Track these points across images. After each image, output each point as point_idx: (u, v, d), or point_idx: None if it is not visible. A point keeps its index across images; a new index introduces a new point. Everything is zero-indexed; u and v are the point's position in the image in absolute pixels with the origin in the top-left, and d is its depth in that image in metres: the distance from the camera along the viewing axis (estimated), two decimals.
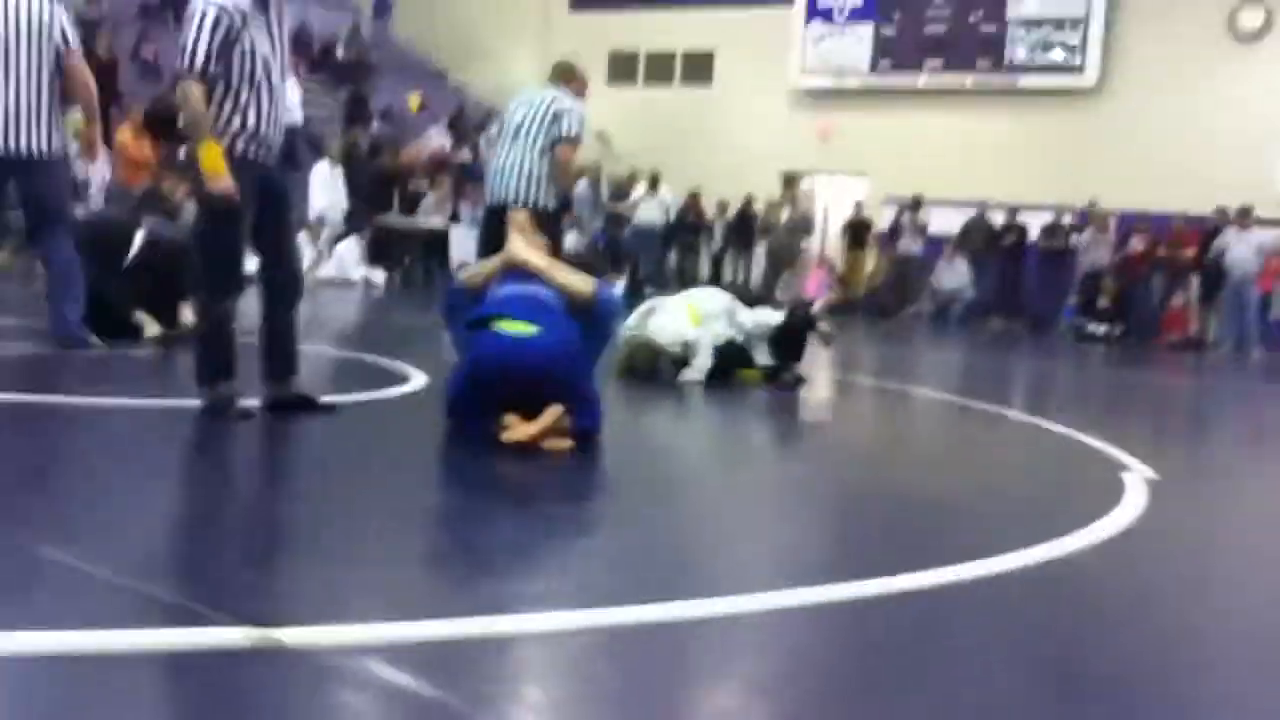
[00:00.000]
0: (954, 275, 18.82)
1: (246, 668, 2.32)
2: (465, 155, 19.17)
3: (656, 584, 3.16)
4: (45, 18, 6.18)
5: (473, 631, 2.62)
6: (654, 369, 7.46)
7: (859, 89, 22.63)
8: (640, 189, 19.71)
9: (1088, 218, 18.05)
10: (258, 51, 4.90)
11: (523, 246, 5.30)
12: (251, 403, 5.06)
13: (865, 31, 22.72)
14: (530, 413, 4.69)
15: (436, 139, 19.82)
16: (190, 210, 12.81)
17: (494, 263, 5.27)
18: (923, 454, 6.24)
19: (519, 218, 5.68)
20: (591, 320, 5.10)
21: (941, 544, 3.86)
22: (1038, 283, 18.58)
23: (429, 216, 16.70)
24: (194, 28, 4.80)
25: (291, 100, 13.29)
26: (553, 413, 4.68)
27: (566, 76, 7.27)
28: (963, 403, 8.22)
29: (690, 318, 7.70)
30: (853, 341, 14.26)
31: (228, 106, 4.88)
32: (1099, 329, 16.77)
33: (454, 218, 16.94)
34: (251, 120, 4.92)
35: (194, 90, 4.80)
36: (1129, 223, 17.98)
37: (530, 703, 2.32)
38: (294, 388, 5.22)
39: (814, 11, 23.11)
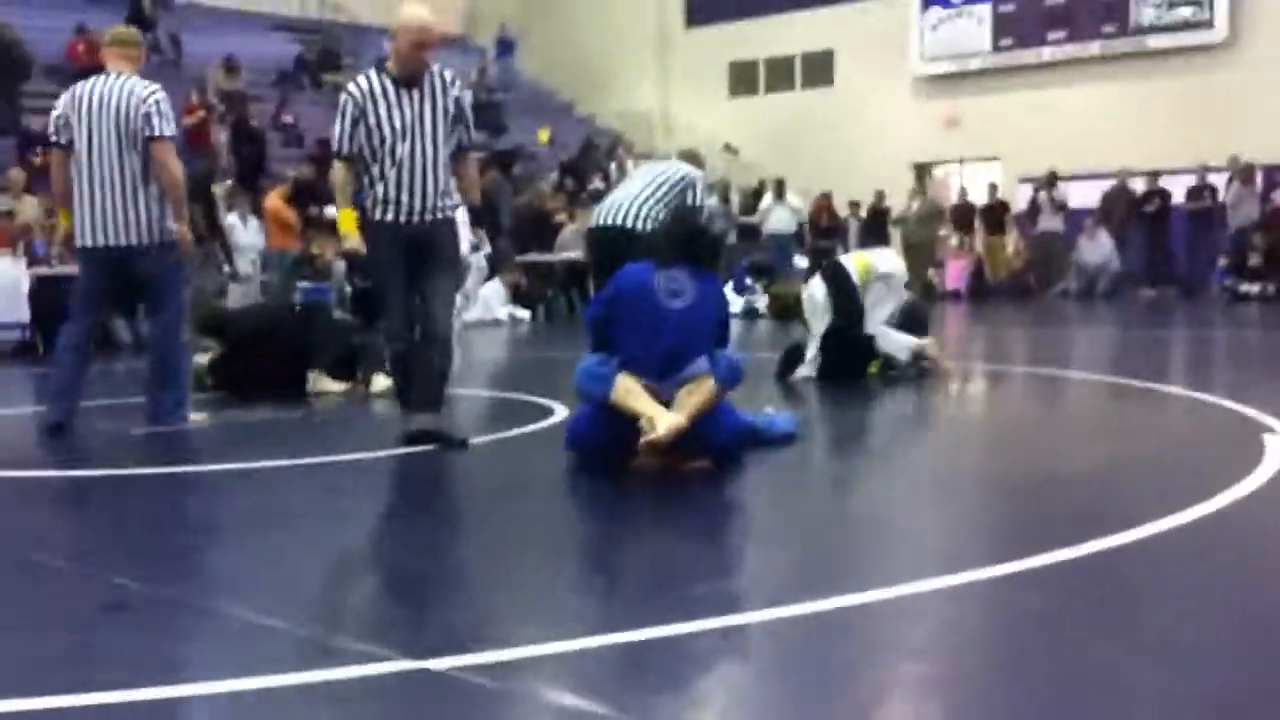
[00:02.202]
0: (1097, 249, 18.52)
1: (405, 698, 2.60)
2: (598, 184, 19.57)
3: (818, 580, 3.35)
4: (129, 107, 6.21)
5: (624, 642, 2.83)
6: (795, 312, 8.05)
7: (982, 70, 22.43)
8: (768, 198, 19.85)
9: (1233, 174, 17.60)
10: (384, 126, 5.54)
11: (664, 427, 4.77)
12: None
13: (984, 11, 22.55)
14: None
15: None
16: (339, 269, 13.41)
17: (639, 409, 4.85)
18: (1070, 433, 6.35)
19: (656, 427, 4.78)
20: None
21: (1087, 517, 3.99)
22: (1186, 247, 18.18)
23: (568, 249, 17.11)
24: (337, 115, 5.66)
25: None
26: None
27: (697, 161, 7.64)
28: (1110, 380, 8.22)
29: (859, 271, 8.06)
30: (998, 326, 14.20)
31: (365, 178, 5.65)
32: (1252, 289, 16.33)
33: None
34: (383, 190, 5.59)
35: (335, 167, 5.77)
36: (1274, 176, 17.51)
37: (698, 703, 2.53)
38: (433, 424, 5.67)
39: None
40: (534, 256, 17.19)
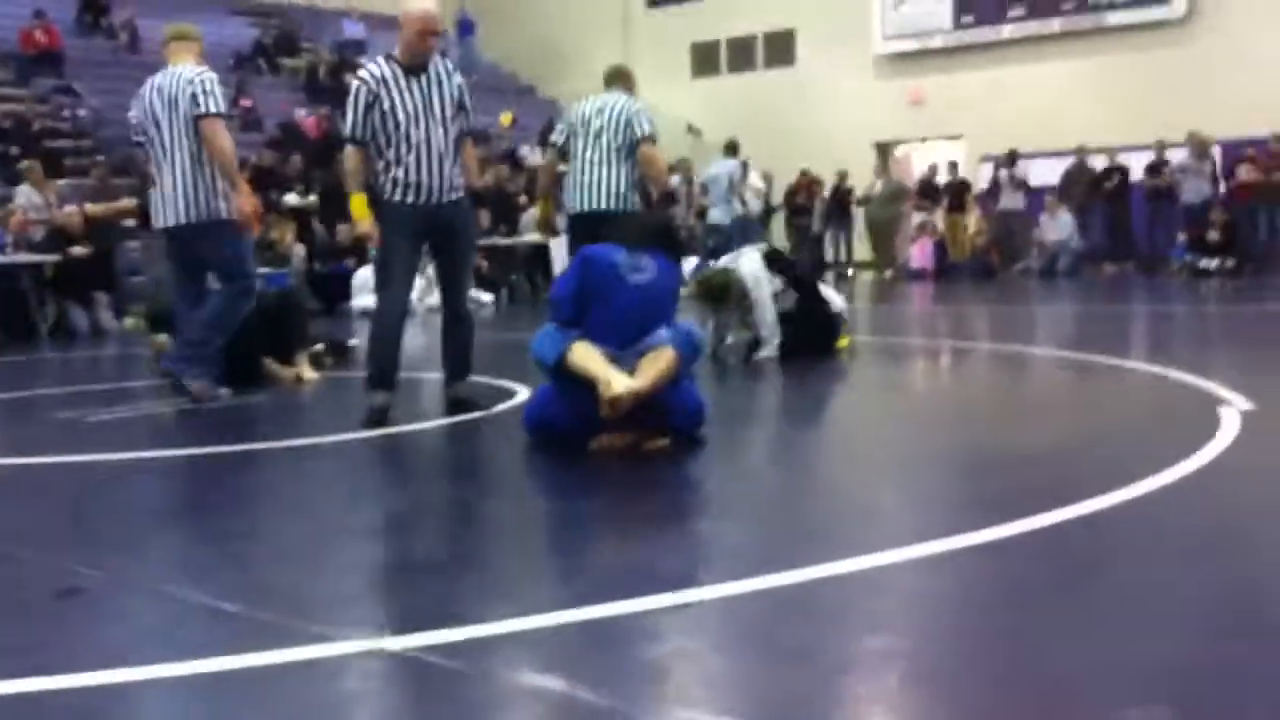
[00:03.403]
0: (1058, 227, 18.60)
1: (363, 678, 2.59)
2: (561, 168, 19.47)
3: (779, 555, 3.35)
4: (179, 91, 6.54)
5: (583, 619, 2.83)
6: (725, 295, 8.02)
7: (944, 48, 22.46)
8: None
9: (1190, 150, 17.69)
10: (398, 111, 5.76)
11: (621, 386, 4.76)
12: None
13: None
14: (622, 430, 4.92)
15: (532, 156, 20.19)
16: (299, 254, 13.34)
17: (595, 371, 4.85)
18: (1030, 408, 6.40)
19: (612, 386, 4.77)
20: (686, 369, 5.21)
21: (1047, 489, 4.02)
22: (1145, 223, 18.29)
23: (530, 232, 17.04)
24: (348, 101, 5.87)
25: None
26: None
27: (624, 79, 7.56)
28: (1070, 356, 8.28)
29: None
30: (960, 304, 14.26)
31: (380, 161, 5.85)
32: (1210, 264, 16.46)
33: (553, 231, 17.24)
34: (402, 173, 5.81)
35: (347, 152, 5.97)
36: (1232, 152, 17.61)
37: (657, 679, 2.53)
38: (459, 392, 6.15)
39: None
40: (497, 240, 17.11)
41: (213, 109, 6.57)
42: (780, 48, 24.63)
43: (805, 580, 3.09)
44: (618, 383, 4.75)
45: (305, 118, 19.29)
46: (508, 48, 26.91)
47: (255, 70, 21.61)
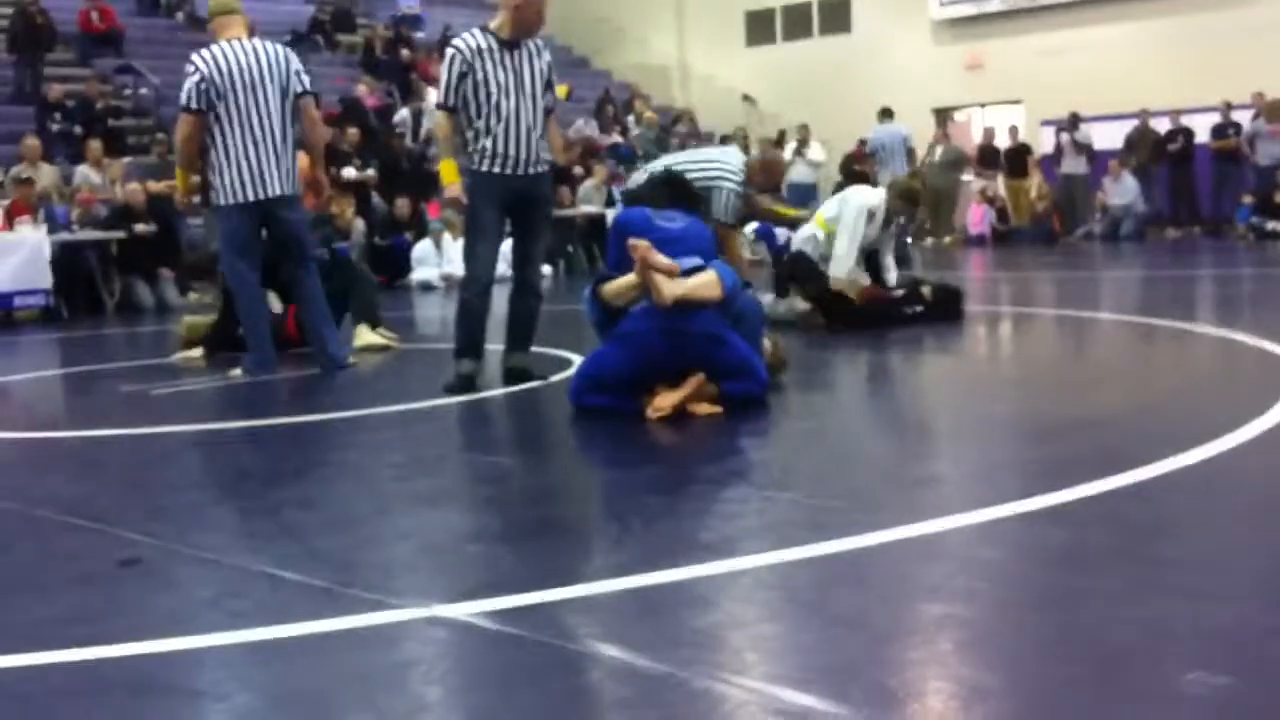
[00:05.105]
0: (1121, 190, 18.31)
1: (418, 643, 2.61)
2: (615, 139, 19.45)
3: (835, 521, 3.32)
4: (277, 65, 6.62)
5: (635, 586, 2.84)
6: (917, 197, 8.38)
7: (1002, 11, 22.12)
8: (788, 150, 19.66)
9: (1258, 111, 17.33)
10: (491, 82, 5.83)
11: (663, 285, 4.92)
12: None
13: None
14: (675, 384, 4.94)
15: (586, 129, 20.15)
16: (359, 228, 13.38)
17: (630, 279, 5.08)
18: (1093, 373, 6.35)
19: (643, 252, 4.94)
20: (730, 311, 5.28)
21: (1109, 454, 3.98)
22: (1211, 186, 17.97)
23: (587, 203, 17.04)
24: (443, 68, 5.96)
25: None
26: (695, 380, 4.91)
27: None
28: (1134, 320, 8.18)
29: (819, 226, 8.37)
30: (1022, 269, 14.10)
31: (470, 131, 5.93)
32: (1278, 226, 16.14)
33: (610, 202, 17.24)
34: (491, 144, 5.87)
35: (439, 119, 6.10)
36: None
37: (710, 646, 2.54)
38: (518, 363, 6.19)
39: None
40: (554, 211, 17.11)
41: (311, 88, 6.80)
42: (836, 14, 24.34)
43: (859, 547, 3.08)
44: (663, 292, 4.91)
45: (368, 94, 19.25)
46: (562, 20, 26.80)
47: (313, 47, 21.69)
